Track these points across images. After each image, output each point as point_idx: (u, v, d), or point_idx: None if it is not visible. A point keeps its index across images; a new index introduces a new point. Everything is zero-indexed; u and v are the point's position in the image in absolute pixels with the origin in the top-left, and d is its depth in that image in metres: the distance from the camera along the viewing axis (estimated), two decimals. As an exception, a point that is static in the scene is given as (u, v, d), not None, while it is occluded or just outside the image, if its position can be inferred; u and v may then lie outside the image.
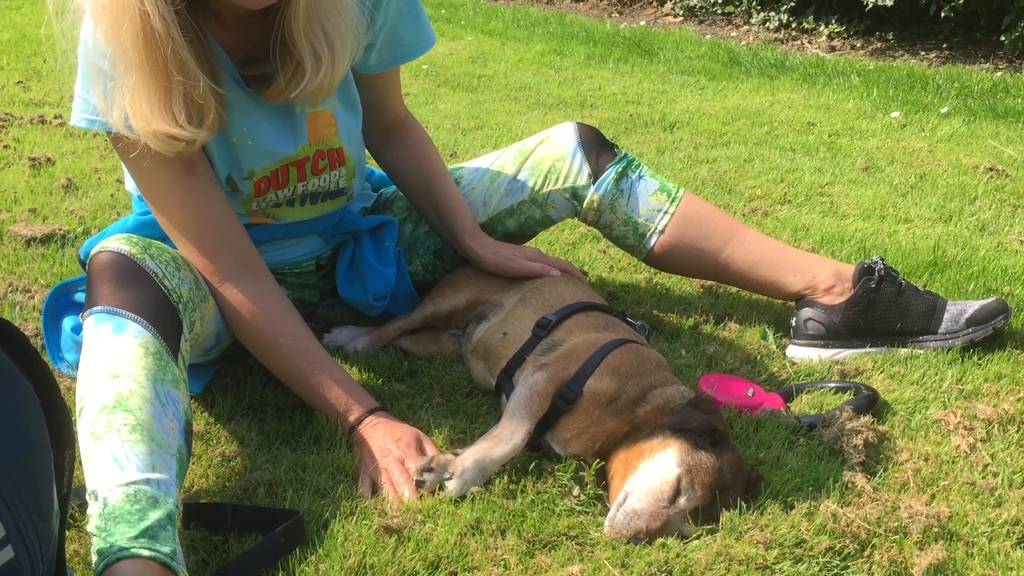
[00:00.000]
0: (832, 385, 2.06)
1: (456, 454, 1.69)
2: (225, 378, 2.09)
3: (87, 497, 1.45)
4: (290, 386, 1.90)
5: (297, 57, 1.77)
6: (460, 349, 2.20)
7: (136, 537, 1.36)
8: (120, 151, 1.80)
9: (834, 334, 2.19)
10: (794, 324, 2.24)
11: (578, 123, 2.30)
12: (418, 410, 1.98)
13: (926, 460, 1.81)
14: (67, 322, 2.07)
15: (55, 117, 4.32)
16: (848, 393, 2.03)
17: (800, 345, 2.23)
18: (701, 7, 7.24)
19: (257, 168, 1.95)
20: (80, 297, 2.08)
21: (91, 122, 1.77)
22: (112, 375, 1.55)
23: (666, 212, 2.24)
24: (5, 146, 3.83)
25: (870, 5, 5.86)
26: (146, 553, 1.35)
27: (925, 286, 2.43)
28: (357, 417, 1.82)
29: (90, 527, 1.40)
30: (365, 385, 1.97)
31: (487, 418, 1.96)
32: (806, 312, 2.21)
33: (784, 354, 2.25)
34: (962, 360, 2.15)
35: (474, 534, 1.56)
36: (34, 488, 1.07)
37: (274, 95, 1.84)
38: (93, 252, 1.74)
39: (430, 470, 1.66)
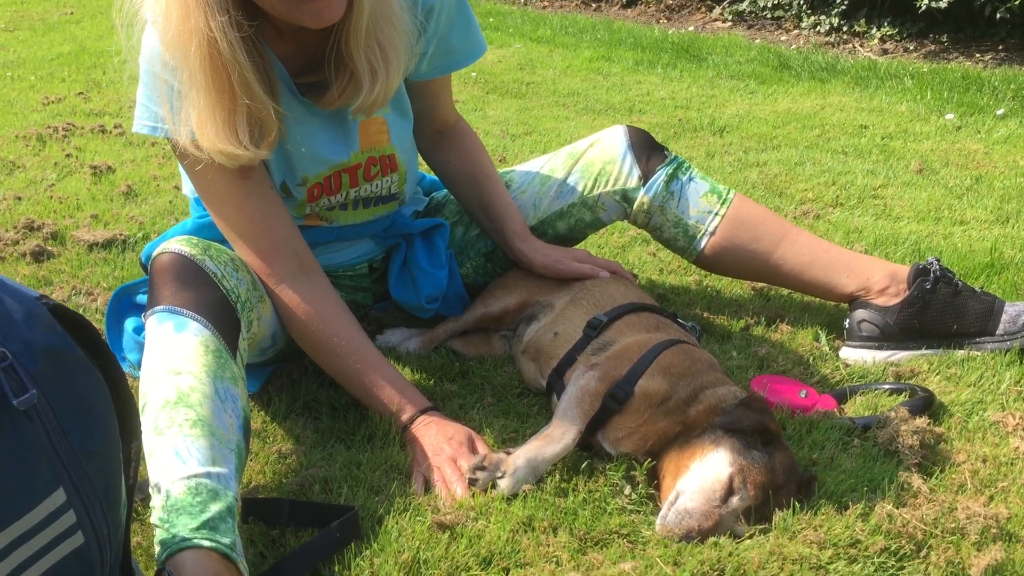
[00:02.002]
0: (887, 387, 2.04)
1: (508, 453, 1.70)
2: (281, 378, 2.13)
3: (150, 490, 1.49)
4: (344, 385, 1.94)
5: (352, 69, 1.81)
6: (511, 350, 2.21)
7: (198, 528, 1.40)
8: (184, 165, 1.85)
9: (888, 336, 2.16)
10: (847, 326, 2.22)
11: (628, 126, 2.31)
12: (470, 410, 2.00)
13: (984, 462, 1.78)
14: (129, 323, 2.12)
15: (115, 127, 4.43)
16: (903, 395, 2.01)
17: (853, 347, 2.21)
18: (750, 12, 7.19)
19: (310, 175, 1.99)
20: (141, 299, 2.13)
21: (153, 129, 1.82)
22: (174, 372, 1.59)
23: (717, 214, 2.24)
24: (68, 155, 3.94)
25: (923, 7, 5.77)
26: (207, 544, 1.39)
27: (982, 288, 2.40)
28: (410, 416, 1.84)
29: (153, 518, 1.44)
30: (417, 385, 2.00)
31: (538, 418, 1.97)
32: (860, 313, 2.19)
33: (837, 356, 2.23)
34: (1020, 362, 2.11)
35: (526, 531, 1.58)
36: (104, 477, 1.11)
37: (328, 104, 1.88)
38: (155, 253, 1.79)
39: (482, 468, 1.67)
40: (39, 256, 2.79)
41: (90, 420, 1.08)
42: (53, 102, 5.00)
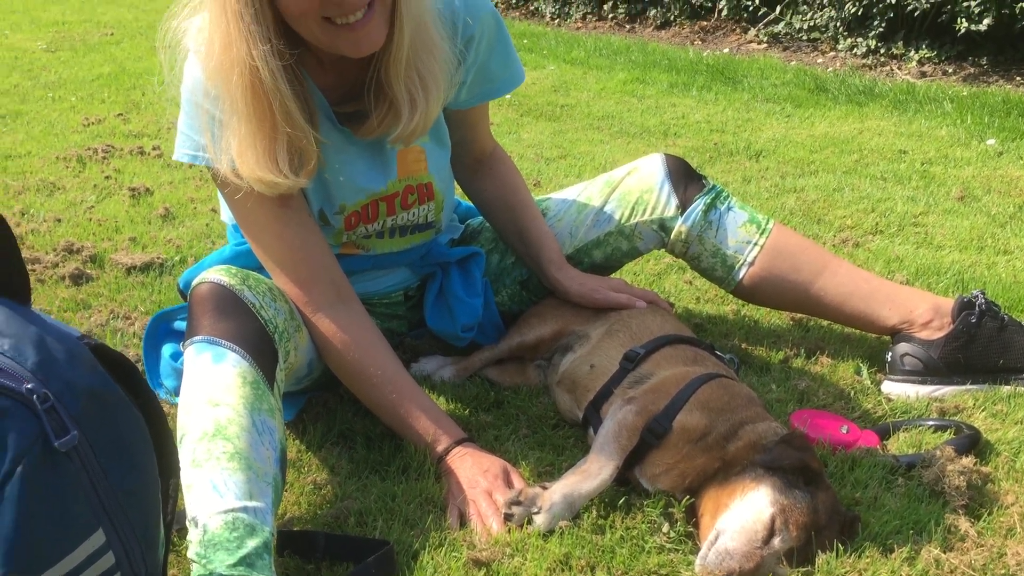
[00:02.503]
0: (931, 423, 1.99)
1: (544, 487, 1.68)
2: (316, 407, 2.12)
3: (187, 523, 1.48)
4: (379, 415, 1.93)
5: (391, 98, 1.81)
6: (546, 380, 2.20)
7: (235, 565, 1.39)
8: (224, 193, 1.86)
9: (932, 370, 2.12)
10: (889, 359, 2.18)
11: (666, 154, 2.29)
12: (505, 441, 1.99)
13: (1033, 504, 1.74)
14: (166, 349, 2.13)
15: (153, 148, 4.48)
16: (948, 432, 1.96)
17: (896, 381, 2.17)
18: (786, 34, 7.15)
19: (348, 203, 1.99)
20: (179, 325, 2.14)
21: (194, 157, 1.84)
22: (212, 403, 1.59)
23: (755, 244, 2.21)
24: (107, 176, 3.99)
25: (962, 30, 5.71)
26: (244, 581, 1.38)
27: (1028, 321, 2.35)
28: (445, 447, 1.83)
29: (190, 553, 1.44)
30: (452, 415, 1.99)
31: (574, 451, 1.95)
32: (902, 347, 2.15)
33: (879, 390, 2.19)
34: (1069, 399, 2.06)
35: (563, 569, 1.55)
36: (143, 516, 1.11)
37: (367, 133, 1.88)
38: (195, 283, 1.79)
39: (518, 503, 1.65)
40: (78, 279, 2.82)
41: (129, 460, 1.07)
42: (93, 123, 5.06)
